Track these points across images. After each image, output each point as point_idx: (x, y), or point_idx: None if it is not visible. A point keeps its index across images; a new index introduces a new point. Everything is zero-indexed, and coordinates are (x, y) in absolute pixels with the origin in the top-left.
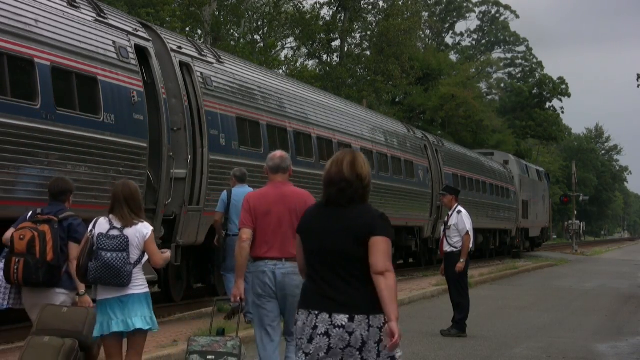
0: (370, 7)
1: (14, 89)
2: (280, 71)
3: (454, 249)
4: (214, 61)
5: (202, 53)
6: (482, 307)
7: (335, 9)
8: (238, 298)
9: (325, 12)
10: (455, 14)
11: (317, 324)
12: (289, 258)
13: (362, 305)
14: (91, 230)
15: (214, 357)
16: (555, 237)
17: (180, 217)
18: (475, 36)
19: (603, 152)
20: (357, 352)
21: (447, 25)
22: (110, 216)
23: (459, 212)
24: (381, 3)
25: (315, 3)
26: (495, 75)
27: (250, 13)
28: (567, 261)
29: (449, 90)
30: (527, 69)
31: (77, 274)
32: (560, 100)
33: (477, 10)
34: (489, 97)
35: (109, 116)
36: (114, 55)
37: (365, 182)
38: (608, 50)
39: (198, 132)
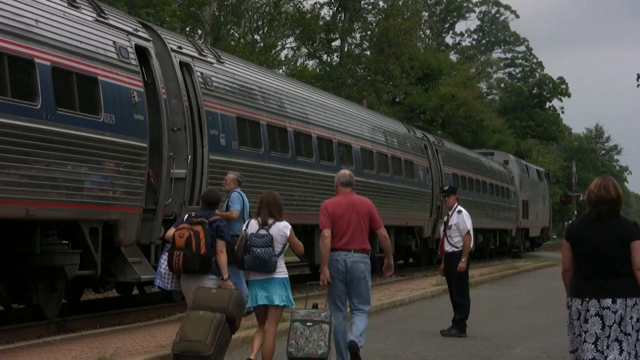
0: (370, 7)
1: (15, 89)
2: (280, 71)
3: (455, 249)
4: (214, 61)
5: (202, 53)
6: (482, 307)
7: (335, 9)
8: (325, 282)
9: (325, 12)
10: (455, 14)
11: (589, 308)
12: (357, 250)
13: (622, 291)
14: (245, 230)
15: (311, 323)
16: (555, 237)
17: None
18: (475, 36)
19: (603, 152)
20: (618, 327)
21: (447, 25)
22: (258, 218)
23: (459, 211)
24: (381, 3)
25: (315, 3)
26: (495, 75)
27: (250, 13)
28: None
29: (449, 90)
30: (527, 69)
31: (236, 262)
32: (560, 100)
33: (477, 10)
34: (489, 97)
35: (109, 116)
36: (114, 56)
37: (622, 199)
38: (608, 50)
39: (198, 132)
